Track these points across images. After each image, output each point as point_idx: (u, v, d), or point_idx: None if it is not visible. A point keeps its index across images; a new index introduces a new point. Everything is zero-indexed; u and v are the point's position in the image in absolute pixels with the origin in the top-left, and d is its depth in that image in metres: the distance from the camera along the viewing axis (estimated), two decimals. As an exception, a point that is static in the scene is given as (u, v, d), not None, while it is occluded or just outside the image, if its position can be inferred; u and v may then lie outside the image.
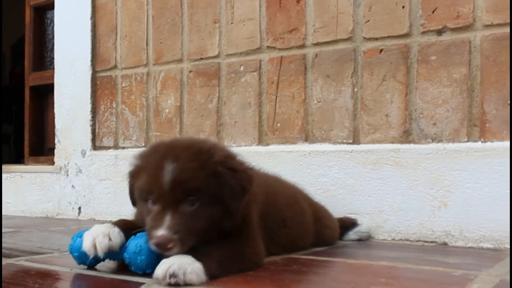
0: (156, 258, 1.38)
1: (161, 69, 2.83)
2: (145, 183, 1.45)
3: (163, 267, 1.28)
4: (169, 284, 1.26)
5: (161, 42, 2.83)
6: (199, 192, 1.39)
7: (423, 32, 2.15)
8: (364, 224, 2.17)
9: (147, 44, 2.88)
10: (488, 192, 1.98)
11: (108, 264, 1.53)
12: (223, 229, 1.45)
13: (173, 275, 1.26)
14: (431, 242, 2.06)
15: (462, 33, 2.08)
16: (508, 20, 2.00)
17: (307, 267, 1.58)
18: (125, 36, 2.95)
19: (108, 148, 3.00)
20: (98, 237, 1.43)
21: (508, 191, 1.94)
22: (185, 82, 2.75)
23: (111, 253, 1.45)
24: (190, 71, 2.73)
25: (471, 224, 2.00)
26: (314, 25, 2.38)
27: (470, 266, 1.61)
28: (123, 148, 2.94)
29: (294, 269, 1.54)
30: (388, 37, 2.22)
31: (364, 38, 2.26)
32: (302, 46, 2.41)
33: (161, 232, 1.34)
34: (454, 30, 2.10)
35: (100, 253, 1.42)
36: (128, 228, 1.49)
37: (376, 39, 2.24)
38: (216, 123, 2.63)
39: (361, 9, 2.27)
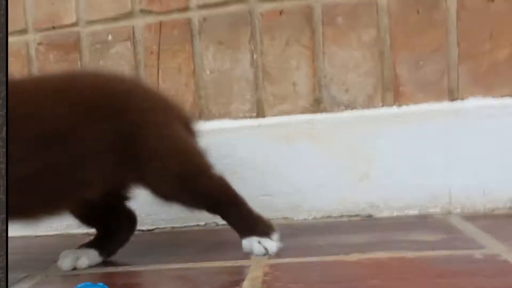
0: None
1: (-3, 41, 2.25)
2: None
3: None
4: None
5: (-7, 8, 2.25)
6: None
7: (326, -8, 1.99)
8: None
9: (-28, 11, 2.27)
10: (409, 157, 1.91)
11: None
12: None
13: None
14: (355, 215, 1.94)
15: (367, -8, 1.97)
16: (414, -21, 1.93)
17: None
18: None
19: None
20: None
21: (429, 156, 1.89)
22: (34, 57, 2.23)
23: None
24: (39, 44, 2.21)
25: (395, 192, 1.92)
26: (199, -16, 2.07)
27: (459, 243, 1.44)
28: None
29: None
30: (286, -3, 2.01)
31: (260, -1, 2.03)
32: (186, 9, 2.08)
33: None
34: (359, -11, 1.97)
35: None
36: None
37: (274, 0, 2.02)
38: (82, 105, 2.18)
39: (254, -33, 2.02)
